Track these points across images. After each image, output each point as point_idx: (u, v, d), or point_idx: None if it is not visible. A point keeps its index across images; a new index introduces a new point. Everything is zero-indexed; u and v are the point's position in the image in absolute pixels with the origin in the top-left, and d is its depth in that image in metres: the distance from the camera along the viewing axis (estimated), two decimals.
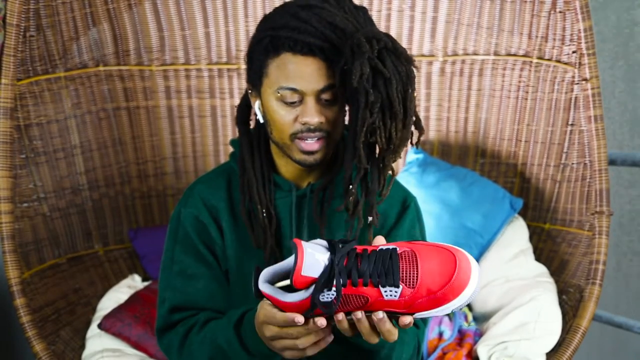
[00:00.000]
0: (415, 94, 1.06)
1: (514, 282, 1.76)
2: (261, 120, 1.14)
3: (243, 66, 1.96)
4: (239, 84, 2.04)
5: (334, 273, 0.88)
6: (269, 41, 1.06)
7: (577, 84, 1.80)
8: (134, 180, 2.05)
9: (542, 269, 1.81)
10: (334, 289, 0.88)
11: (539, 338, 1.60)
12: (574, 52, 1.79)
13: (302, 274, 0.88)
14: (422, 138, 2.07)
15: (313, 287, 0.89)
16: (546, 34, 1.86)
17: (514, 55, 1.96)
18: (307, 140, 1.07)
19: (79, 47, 1.88)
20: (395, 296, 0.87)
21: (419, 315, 0.88)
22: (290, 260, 0.94)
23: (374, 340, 0.93)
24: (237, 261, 1.17)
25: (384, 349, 1.07)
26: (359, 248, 0.91)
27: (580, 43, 1.75)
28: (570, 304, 1.72)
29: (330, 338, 0.95)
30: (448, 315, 1.81)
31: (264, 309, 0.95)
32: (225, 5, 1.96)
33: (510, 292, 1.74)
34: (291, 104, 1.07)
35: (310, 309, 0.90)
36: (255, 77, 1.11)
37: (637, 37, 2.33)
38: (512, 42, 1.94)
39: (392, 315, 0.90)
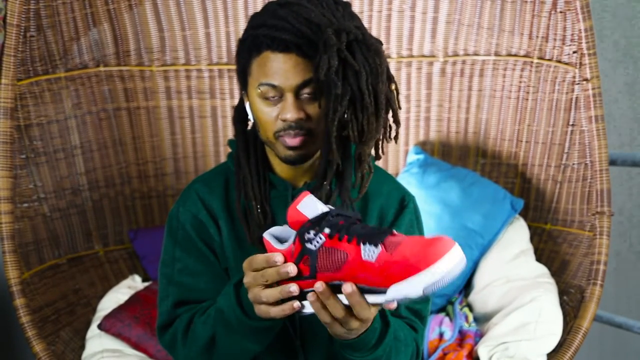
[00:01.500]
0: (393, 87, 1.07)
1: (515, 283, 1.76)
2: (252, 120, 1.15)
3: None
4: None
5: (325, 219, 0.92)
6: (250, 41, 1.08)
7: (578, 84, 1.80)
8: (134, 180, 2.04)
9: (542, 269, 1.81)
10: (320, 236, 0.91)
11: (540, 339, 1.60)
12: (574, 52, 1.79)
13: (297, 208, 0.94)
14: (423, 138, 2.11)
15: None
16: (547, 34, 1.86)
17: (515, 55, 1.95)
18: (289, 137, 1.08)
19: (80, 47, 1.88)
20: (372, 257, 0.88)
21: (392, 290, 0.88)
22: None
23: (340, 314, 0.93)
24: (235, 260, 1.17)
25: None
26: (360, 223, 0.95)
27: (581, 43, 1.74)
28: (571, 305, 1.72)
29: (297, 306, 0.95)
30: (448, 315, 1.80)
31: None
32: (225, 5, 1.96)
33: (510, 292, 1.73)
34: (272, 101, 1.08)
35: (295, 261, 0.93)
36: (242, 77, 1.13)
37: None
38: (512, 43, 1.94)
39: (369, 291, 0.92)
